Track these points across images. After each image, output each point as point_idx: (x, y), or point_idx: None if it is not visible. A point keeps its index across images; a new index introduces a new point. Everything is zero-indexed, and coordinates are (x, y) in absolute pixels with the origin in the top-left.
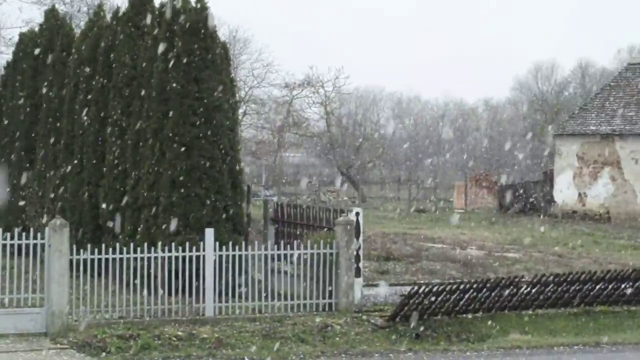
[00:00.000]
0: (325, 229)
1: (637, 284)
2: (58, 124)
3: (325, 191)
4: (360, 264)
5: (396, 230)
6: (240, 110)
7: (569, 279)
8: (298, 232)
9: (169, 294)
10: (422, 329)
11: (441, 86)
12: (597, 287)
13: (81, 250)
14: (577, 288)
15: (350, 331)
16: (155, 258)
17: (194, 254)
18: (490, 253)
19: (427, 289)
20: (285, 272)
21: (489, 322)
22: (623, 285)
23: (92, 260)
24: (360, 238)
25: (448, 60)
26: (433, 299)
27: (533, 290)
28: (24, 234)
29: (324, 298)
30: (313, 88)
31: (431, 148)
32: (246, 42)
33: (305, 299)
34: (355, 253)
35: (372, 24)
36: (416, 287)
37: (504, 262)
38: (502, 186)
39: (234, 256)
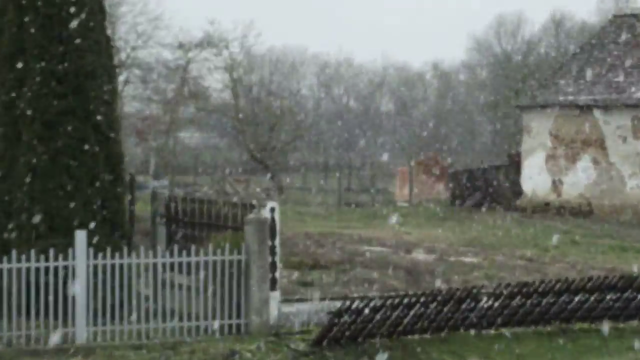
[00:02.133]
0: (232, 230)
1: (625, 294)
2: None
3: (232, 181)
4: (277, 274)
5: (323, 230)
6: (121, 78)
7: (540, 289)
8: (197, 234)
9: (28, 316)
10: (355, 355)
11: (379, 47)
12: (576, 299)
13: None
14: (551, 301)
15: None
16: (9, 270)
17: (61, 263)
18: (441, 257)
19: (362, 305)
20: (181, 286)
21: (441, 345)
22: (608, 297)
23: None
24: (277, 240)
25: (388, 14)
26: (370, 316)
27: (496, 304)
28: None
29: (230, 318)
30: (215, 49)
31: (367, 125)
32: None
33: (206, 319)
34: (270, 260)
35: None
36: (348, 303)
37: (459, 269)
38: (456, 172)
39: (113, 266)
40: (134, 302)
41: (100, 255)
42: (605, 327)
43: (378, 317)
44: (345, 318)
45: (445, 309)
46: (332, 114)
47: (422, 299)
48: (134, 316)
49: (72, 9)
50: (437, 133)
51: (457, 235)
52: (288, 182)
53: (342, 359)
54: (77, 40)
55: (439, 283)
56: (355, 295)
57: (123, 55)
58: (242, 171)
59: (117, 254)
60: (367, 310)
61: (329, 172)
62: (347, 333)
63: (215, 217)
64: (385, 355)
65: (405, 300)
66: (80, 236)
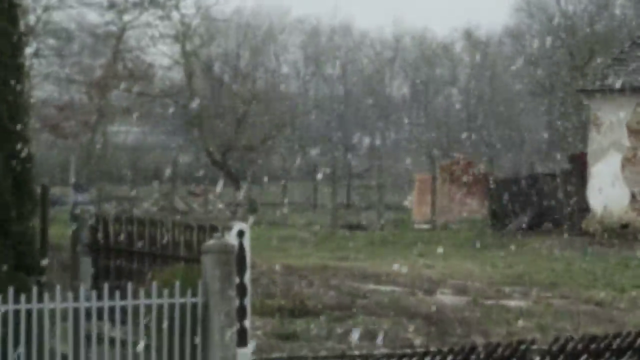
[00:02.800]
0: (184, 262)
1: None
2: None
3: (185, 194)
4: (248, 323)
5: (312, 262)
6: (29, 50)
7: (614, 346)
8: (135, 268)
9: None
10: None
11: (389, 9)
12: None
13: None
14: None
15: None
16: None
17: None
18: (476, 300)
19: None
20: (112, 340)
21: None
22: None
23: None
24: (248, 276)
25: None
26: None
27: None
28: None
29: None
30: (160, 10)
31: (372, 116)
32: None
33: None
34: (238, 303)
35: None
36: None
37: (501, 317)
38: (497, 182)
39: (17, 313)
40: None
41: None
42: None
43: None
44: None
45: None
46: (325, 100)
47: (448, 358)
48: None
49: None
50: (470, 127)
51: (498, 270)
52: (263, 196)
53: None
54: None
55: (472, 337)
56: (357, 353)
57: (32, 19)
58: (198, 180)
59: (23, 297)
60: None
61: (320, 182)
62: None
63: (161, 244)
64: None
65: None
66: None
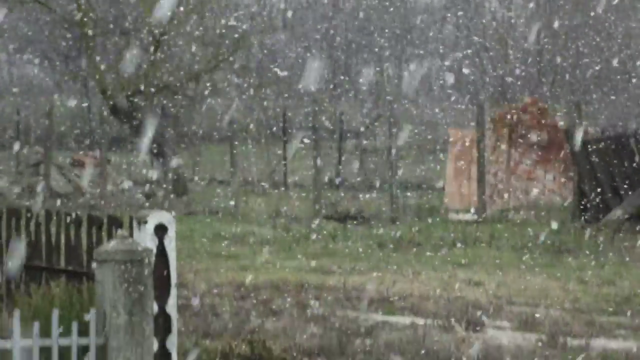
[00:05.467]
0: (67, 276)
1: None
2: None
3: (67, 165)
4: None
5: (279, 278)
6: None
7: None
8: None
9: None
10: None
11: None
12: None
13: None
14: None
15: None
16: None
17: None
18: (554, 340)
19: None
20: None
21: None
22: None
23: None
24: (173, 300)
25: None
26: None
27: None
28: None
29: None
30: None
31: (380, 31)
32: None
33: None
34: (156, 346)
35: None
36: None
37: None
38: (591, 145)
39: None
40: None
41: None
42: None
43: None
44: None
45: None
46: (300, 9)
47: None
48: None
49: None
50: (541, 55)
51: (589, 289)
52: (198, 168)
53: None
54: None
55: None
56: None
57: None
58: (89, 143)
59: None
60: None
61: (294, 145)
62: None
63: (29, 248)
64: None
65: None
66: None
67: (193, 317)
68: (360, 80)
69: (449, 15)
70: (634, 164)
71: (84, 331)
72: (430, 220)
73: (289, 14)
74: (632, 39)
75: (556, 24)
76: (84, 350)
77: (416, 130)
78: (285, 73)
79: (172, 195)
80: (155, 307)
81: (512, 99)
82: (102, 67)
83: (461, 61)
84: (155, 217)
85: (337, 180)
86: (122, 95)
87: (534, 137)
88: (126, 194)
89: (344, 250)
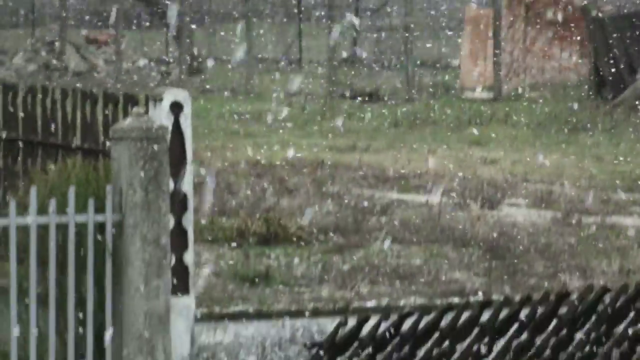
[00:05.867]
0: (83, 154)
1: None
2: None
3: (83, 42)
4: (190, 256)
5: (295, 156)
6: None
7: None
8: None
9: None
10: None
11: None
12: None
13: None
14: None
15: None
16: None
17: None
18: (569, 217)
19: (387, 327)
20: None
21: None
22: None
23: None
24: (188, 179)
25: None
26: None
27: None
28: None
29: (81, 358)
30: None
31: None
32: None
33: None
34: (173, 223)
35: None
36: (353, 325)
37: (610, 243)
38: (607, 22)
39: None
40: None
41: None
42: None
43: (422, 354)
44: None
45: (589, 329)
46: None
47: (522, 312)
48: None
49: None
50: None
51: (605, 166)
52: (213, 46)
53: None
54: None
55: (562, 277)
56: (370, 304)
57: None
58: (103, 21)
59: None
60: (398, 342)
61: (309, 22)
62: None
63: (43, 125)
64: None
65: (487, 316)
66: None
67: (210, 194)
68: None
69: None
70: None
71: (100, 208)
72: (445, 99)
73: None
74: None
75: None
76: (99, 227)
77: (432, 10)
78: None
79: (187, 74)
80: (171, 185)
81: None
82: None
83: None
84: (170, 95)
85: (352, 59)
86: None
87: (550, 14)
88: (142, 72)
89: (360, 128)
